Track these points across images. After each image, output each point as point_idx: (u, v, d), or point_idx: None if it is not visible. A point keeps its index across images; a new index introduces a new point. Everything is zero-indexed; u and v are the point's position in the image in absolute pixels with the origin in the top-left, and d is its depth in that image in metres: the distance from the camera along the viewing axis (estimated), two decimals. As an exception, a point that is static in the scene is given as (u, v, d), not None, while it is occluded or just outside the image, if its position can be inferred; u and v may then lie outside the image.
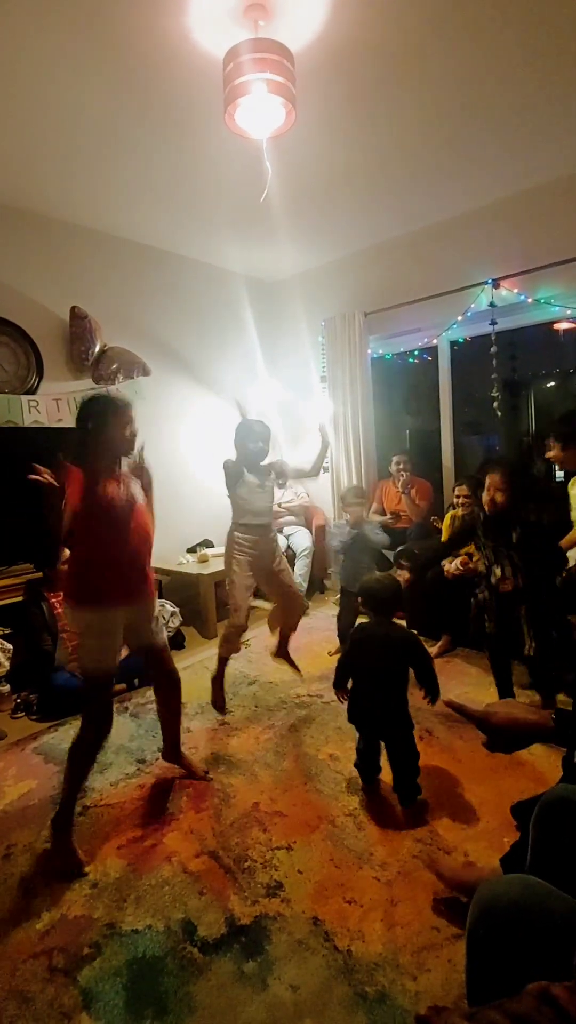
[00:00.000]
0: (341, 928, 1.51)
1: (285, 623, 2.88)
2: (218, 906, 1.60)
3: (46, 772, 2.34)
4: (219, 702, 2.72)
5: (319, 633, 3.55)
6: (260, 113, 2.00)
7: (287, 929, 1.51)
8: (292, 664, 2.94)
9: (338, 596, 3.45)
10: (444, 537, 3.67)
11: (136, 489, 2.00)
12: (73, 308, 3.46)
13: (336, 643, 3.44)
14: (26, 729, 2.72)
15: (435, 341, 4.25)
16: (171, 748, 2.25)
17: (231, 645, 2.71)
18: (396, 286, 4.17)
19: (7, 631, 3.03)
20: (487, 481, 2.44)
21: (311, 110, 2.47)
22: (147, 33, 2.00)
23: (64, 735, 2.62)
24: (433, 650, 3.26)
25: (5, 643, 2.66)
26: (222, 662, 2.73)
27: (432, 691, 1.99)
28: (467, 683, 2.93)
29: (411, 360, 4.57)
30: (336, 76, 2.30)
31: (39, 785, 2.24)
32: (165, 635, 2.16)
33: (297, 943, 1.47)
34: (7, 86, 2.26)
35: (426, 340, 4.29)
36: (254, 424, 2.66)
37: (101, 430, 1.87)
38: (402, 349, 4.51)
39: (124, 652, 2.05)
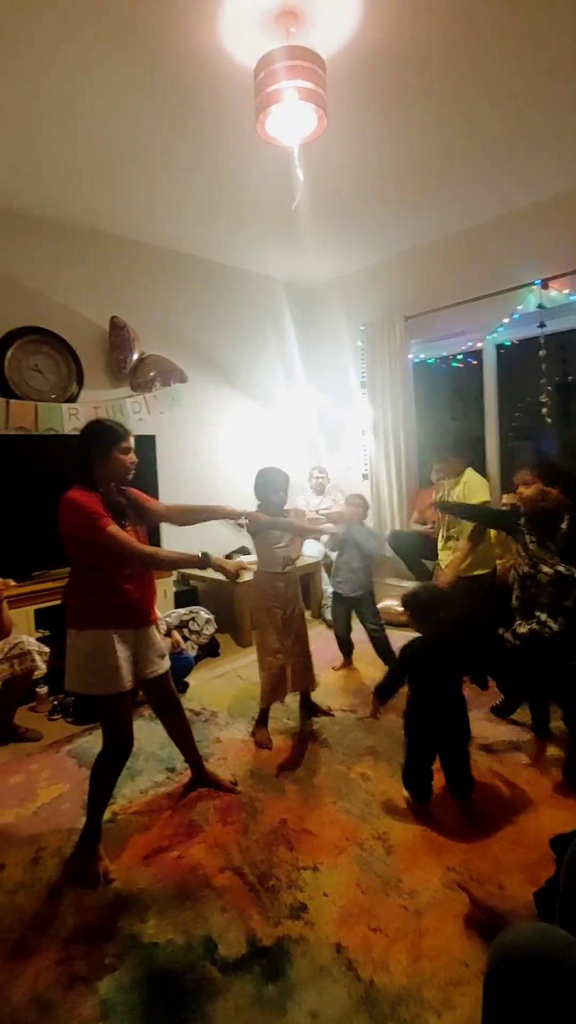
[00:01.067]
0: (365, 957, 1.48)
1: (301, 682, 2.75)
2: (240, 924, 1.60)
3: (79, 776, 2.40)
4: (263, 742, 2.60)
5: (357, 647, 3.51)
6: (291, 120, 2.02)
7: (309, 954, 1.49)
8: (322, 712, 2.83)
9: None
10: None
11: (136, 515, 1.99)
12: (112, 318, 3.59)
13: (340, 657, 3.39)
14: (62, 731, 2.81)
15: (480, 344, 4.15)
16: (194, 768, 2.26)
17: (273, 694, 2.64)
18: (438, 289, 4.10)
19: (46, 633, 3.15)
20: (517, 478, 2.49)
21: (343, 115, 2.48)
22: (181, 46, 2.06)
23: (97, 739, 2.67)
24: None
25: (43, 646, 2.76)
26: (263, 712, 2.67)
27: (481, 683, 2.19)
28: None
29: (455, 364, 4.48)
30: (368, 80, 2.31)
31: (71, 789, 2.30)
32: (168, 663, 2.09)
33: (319, 969, 1.45)
34: (48, 103, 2.37)
35: (470, 344, 4.19)
36: (273, 474, 2.62)
37: (102, 456, 1.85)
38: (445, 353, 4.43)
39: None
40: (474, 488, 3.08)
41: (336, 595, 3.37)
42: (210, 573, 3.91)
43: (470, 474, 3.17)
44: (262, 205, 3.38)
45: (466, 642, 2.13)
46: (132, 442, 1.92)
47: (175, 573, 3.87)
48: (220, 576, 2.08)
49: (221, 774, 2.29)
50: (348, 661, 3.38)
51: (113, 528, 1.77)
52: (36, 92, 2.29)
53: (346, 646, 3.36)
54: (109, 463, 1.86)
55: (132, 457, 1.92)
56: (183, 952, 1.52)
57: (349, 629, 3.33)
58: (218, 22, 1.96)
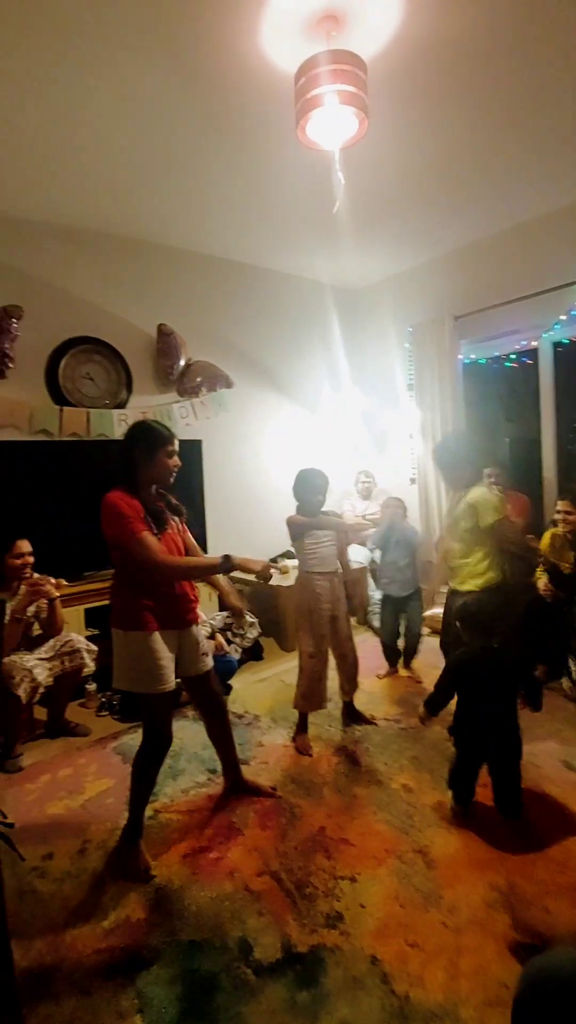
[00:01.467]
0: (400, 971, 1.46)
1: (343, 685, 2.77)
2: (276, 929, 1.61)
3: (123, 772, 2.48)
4: (304, 748, 2.60)
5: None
6: (332, 124, 2.02)
7: (344, 964, 1.49)
8: (366, 721, 2.81)
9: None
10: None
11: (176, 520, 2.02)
12: (160, 325, 3.70)
13: (384, 664, 3.34)
14: (108, 728, 2.92)
15: (535, 343, 4.01)
16: (231, 773, 2.25)
17: (309, 700, 2.64)
18: (489, 287, 4.00)
19: (95, 632, 3.28)
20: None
21: (386, 116, 2.47)
22: (223, 56, 2.11)
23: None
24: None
25: (91, 644, 2.87)
26: (302, 717, 2.67)
27: (536, 703, 2.05)
28: (561, 720, 2.71)
29: (508, 364, 4.35)
30: (410, 79, 2.29)
31: (116, 784, 2.39)
32: (211, 661, 2.13)
33: (353, 980, 1.44)
34: (96, 123, 2.49)
35: (524, 342, 4.06)
36: (313, 475, 2.63)
37: (147, 458, 1.88)
38: (497, 353, 4.31)
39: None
40: (485, 509, 2.60)
41: (384, 598, 3.34)
42: (248, 576, 3.97)
43: (478, 492, 2.65)
44: (305, 210, 3.41)
45: (518, 660, 2.09)
46: (177, 445, 1.94)
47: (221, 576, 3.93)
48: (253, 578, 2.02)
49: (261, 781, 2.29)
50: (394, 669, 3.35)
51: (144, 535, 1.78)
52: (84, 113, 2.41)
53: (392, 653, 3.32)
54: (153, 465, 1.88)
55: (176, 461, 1.94)
56: (219, 952, 1.55)
57: (396, 635, 3.30)
58: (259, 30, 2.00)
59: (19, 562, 2.71)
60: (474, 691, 2.02)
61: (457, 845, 1.92)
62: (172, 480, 1.97)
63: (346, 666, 2.72)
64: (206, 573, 2.02)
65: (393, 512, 3.31)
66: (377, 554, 4.35)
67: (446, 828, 2.00)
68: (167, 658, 1.89)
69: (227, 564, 1.82)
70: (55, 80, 2.20)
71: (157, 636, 1.87)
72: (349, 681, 2.75)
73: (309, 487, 2.61)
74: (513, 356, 4.25)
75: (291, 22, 1.97)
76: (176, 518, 2.02)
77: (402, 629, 3.34)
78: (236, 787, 2.26)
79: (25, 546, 2.75)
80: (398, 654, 3.33)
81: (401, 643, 3.34)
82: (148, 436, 1.90)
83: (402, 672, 3.35)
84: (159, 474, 1.92)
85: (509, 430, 5.01)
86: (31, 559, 2.76)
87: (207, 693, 2.14)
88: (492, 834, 1.95)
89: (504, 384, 4.80)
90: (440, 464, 2.87)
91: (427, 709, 2.13)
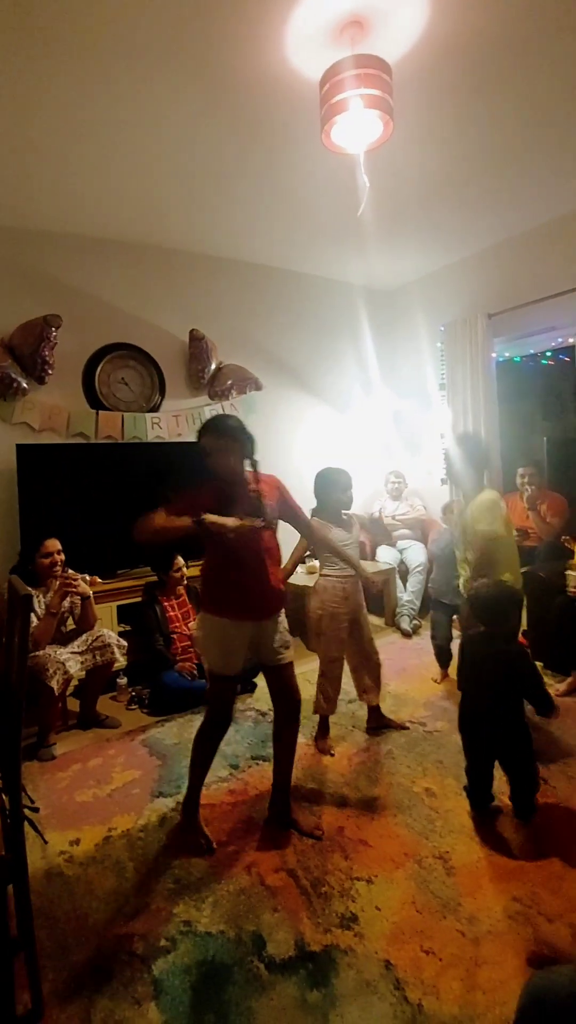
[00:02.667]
0: (415, 978, 1.43)
1: (364, 691, 2.71)
2: (290, 926, 1.61)
3: (150, 764, 2.54)
4: (325, 749, 2.58)
5: (430, 655, 3.39)
6: (357, 128, 2.01)
7: (356, 966, 1.47)
8: (395, 726, 2.75)
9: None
10: (576, 559, 3.32)
11: (273, 510, 2.00)
12: (191, 331, 3.76)
13: (436, 667, 3.26)
14: (138, 721, 2.98)
15: (572, 340, 3.87)
16: (279, 802, 2.08)
17: (332, 704, 2.62)
18: (523, 284, 3.89)
19: (127, 628, 3.36)
20: None
21: (413, 116, 2.44)
22: (248, 68, 2.13)
23: (169, 731, 2.83)
24: (561, 687, 2.96)
25: (122, 640, 2.94)
26: (323, 720, 2.64)
27: (544, 706, 1.94)
28: (596, 728, 2.60)
29: (544, 362, 4.22)
30: (437, 79, 2.25)
31: (142, 775, 2.44)
32: (292, 652, 2.08)
33: (365, 983, 1.42)
34: (128, 140, 2.56)
35: (560, 340, 3.93)
36: (336, 474, 2.58)
37: (210, 456, 1.90)
38: (532, 351, 4.19)
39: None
40: (490, 519, 2.52)
41: (436, 602, 3.25)
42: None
43: (483, 498, 2.57)
44: (333, 213, 3.40)
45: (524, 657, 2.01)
46: (211, 442, 1.90)
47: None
48: (295, 580, 2.01)
49: (302, 819, 2.07)
50: (446, 673, 3.23)
51: (161, 509, 1.84)
52: (112, 128, 2.47)
53: (445, 655, 3.22)
54: (211, 461, 1.91)
55: (216, 460, 1.90)
56: (234, 945, 1.56)
57: (449, 638, 3.20)
58: (284, 40, 2.01)
59: (48, 561, 2.79)
60: (474, 683, 1.98)
61: (480, 854, 1.86)
62: (228, 475, 1.93)
63: (370, 667, 2.68)
64: (172, 534, 1.84)
65: (454, 520, 3.13)
66: (410, 554, 4.29)
67: (468, 835, 1.95)
68: (238, 645, 1.95)
69: (199, 523, 1.77)
70: (89, 100, 2.27)
71: (228, 623, 1.92)
72: (374, 683, 2.71)
73: (331, 486, 2.57)
74: (549, 353, 4.12)
75: (316, 30, 1.97)
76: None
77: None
78: (280, 818, 2.06)
79: (54, 545, 2.83)
80: (450, 656, 3.24)
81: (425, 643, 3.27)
82: (204, 435, 1.94)
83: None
84: (220, 471, 1.92)
85: (547, 429, 4.85)
86: (60, 557, 2.84)
87: (281, 688, 2.06)
88: (518, 844, 1.89)
89: (541, 382, 4.65)
90: (466, 454, 2.72)
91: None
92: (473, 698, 2.02)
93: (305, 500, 2.94)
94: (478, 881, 1.74)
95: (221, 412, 3.95)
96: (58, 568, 2.81)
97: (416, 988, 1.40)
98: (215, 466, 1.91)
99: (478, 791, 2.04)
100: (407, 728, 2.73)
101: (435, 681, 3.22)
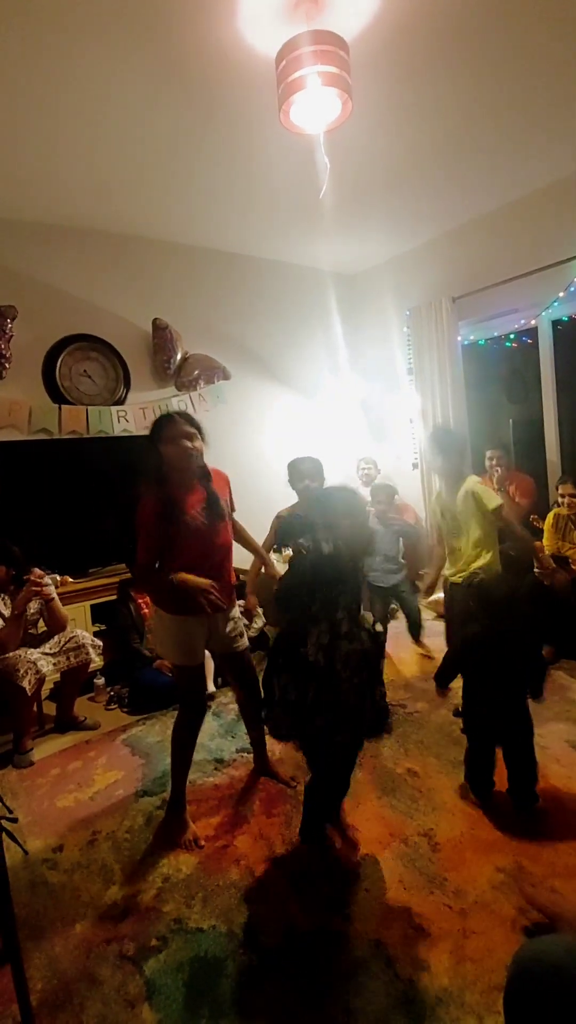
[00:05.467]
0: (405, 955, 1.45)
1: None
2: (281, 915, 1.62)
3: (133, 763, 2.51)
4: None
5: (405, 638, 3.44)
6: (315, 107, 1.98)
7: (348, 948, 1.49)
8: None
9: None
10: (546, 539, 3.40)
11: (222, 505, 2.04)
12: (154, 320, 3.67)
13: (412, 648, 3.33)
14: (117, 721, 2.94)
15: (534, 322, 3.93)
16: (259, 756, 2.32)
17: None
18: (486, 266, 3.92)
19: (102, 628, 3.30)
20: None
21: (369, 97, 2.41)
22: (202, 44, 2.07)
23: (150, 729, 2.80)
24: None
25: (97, 640, 2.89)
26: None
27: (538, 691, 1.99)
28: (569, 700, 2.69)
29: (508, 344, 4.28)
30: (395, 56, 2.22)
31: (125, 776, 2.41)
32: (246, 639, 2.22)
33: (356, 964, 1.44)
34: (70, 117, 2.44)
35: (523, 322, 3.98)
36: (299, 463, 2.59)
37: (162, 447, 1.93)
38: (496, 333, 4.23)
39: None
40: (488, 495, 2.57)
41: (373, 588, 3.23)
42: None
43: (473, 482, 2.61)
44: (294, 195, 3.35)
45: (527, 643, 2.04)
46: (177, 429, 1.92)
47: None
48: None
49: (280, 770, 2.30)
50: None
51: (140, 550, 1.92)
52: (57, 106, 2.36)
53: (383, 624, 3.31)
54: (164, 456, 1.93)
55: (183, 445, 1.91)
56: (225, 938, 1.56)
57: (387, 621, 3.30)
58: (237, 15, 1.95)
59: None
60: (479, 672, 2.00)
61: (463, 828, 1.91)
62: (189, 464, 1.94)
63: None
64: (156, 590, 2.03)
65: (381, 509, 3.24)
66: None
67: (451, 811, 1.99)
68: (197, 638, 2.02)
69: (170, 583, 1.89)
70: (32, 77, 2.16)
71: (188, 619, 1.97)
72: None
73: (295, 475, 2.60)
74: (513, 336, 4.18)
75: (269, 5, 1.92)
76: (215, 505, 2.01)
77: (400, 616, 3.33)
78: (262, 769, 2.31)
79: None
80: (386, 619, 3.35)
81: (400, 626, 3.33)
82: (153, 431, 1.99)
83: (415, 649, 3.35)
84: (172, 462, 1.93)
85: (512, 412, 4.94)
86: (1, 573, 2.72)
87: (240, 670, 2.20)
88: (498, 816, 1.93)
89: (505, 365, 4.72)
90: (441, 449, 2.78)
91: (437, 683, 2.12)
92: (478, 686, 2.01)
93: (280, 489, 2.94)
94: (462, 855, 1.79)
95: (189, 403, 3.88)
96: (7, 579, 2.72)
97: (407, 964, 1.43)
98: (169, 458, 1.93)
99: (482, 777, 2.04)
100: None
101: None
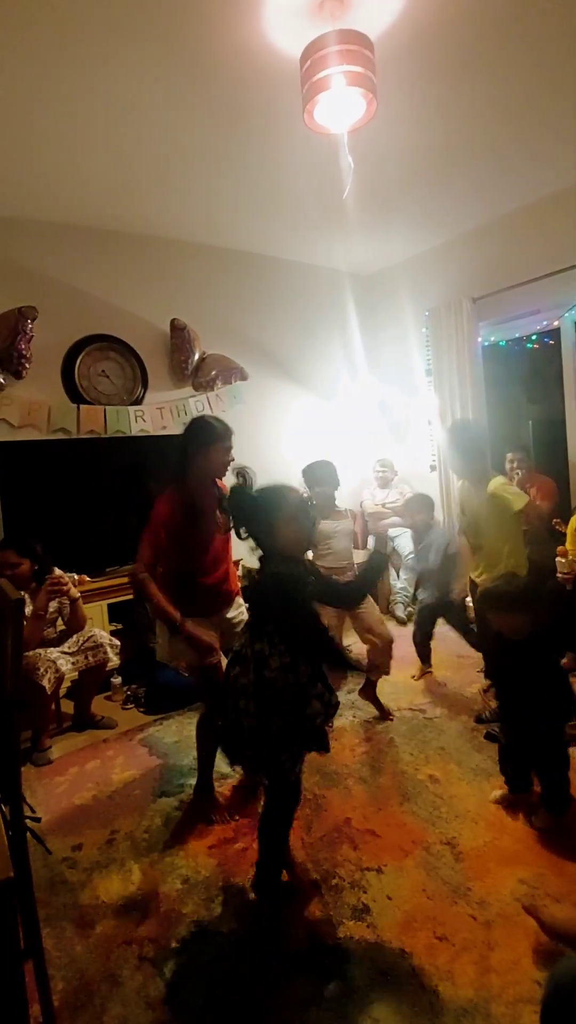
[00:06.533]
0: (429, 965, 1.43)
1: (370, 666, 2.73)
2: (302, 921, 1.61)
3: (150, 763, 2.51)
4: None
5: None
6: (340, 107, 1.97)
7: (371, 957, 1.47)
8: (379, 707, 2.77)
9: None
10: (569, 542, 3.35)
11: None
12: (172, 320, 3.68)
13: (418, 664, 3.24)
14: (134, 720, 2.95)
15: (557, 323, 3.88)
16: None
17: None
18: (507, 267, 3.88)
19: (119, 627, 3.31)
20: None
21: (395, 96, 2.39)
22: (225, 44, 2.06)
23: (167, 730, 2.81)
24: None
25: (114, 639, 2.90)
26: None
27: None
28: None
29: (529, 345, 4.23)
30: (420, 56, 2.20)
31: (142, 775, 2.41)
32: None
33: (381, 973, 1.42)
34: (96, 119, 2.46)
35: (545, 323, 3.94)
36: (313, 468, 2.64)
37: (202, 452, 1.98)
38: (518, 335, 4.19)
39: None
40: (515, 496, 2.55)
41: (423, 604, 3.21)
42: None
43: (498, 483, 2.58)
44: (316, 196, 3.34)
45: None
46: (232, 441, 2.03)
47: (240, 567, 3.92)
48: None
49: None
50: (428, 668, 3.23)
51: (144, 544, 1.94)
52: (86, 110, 2.38)
53: (426, 652, 3.23)
54: (208, 459, 1.98)
55: (231, 456, 2.02)
56: (245, 942, 1.55)
57: (430, 637, 3.20)
58: (261, 15, 1.94)
59: (9, 572, 2.57)
60: (513, 670, 1.96)
61: (486, 838, 1.88)
62: (224, 473, 2.03)
63: (376, 652, 2.67)
64: (161, 617, 2.01)
65: (419, 521, 3.14)
66: (401, 542, 4.28)
67: (474, 820, 1.97)
68: (208, 636, 2.00)
69: (180, 626, 1.92)
70: (55, 78, 2.18)
71: (200, 620, 2.00)
72: (380, 665, 2.70)
73: (309, 479, 2.63)
74: (534, 337, 4.13)
75: (295, 5, 1.91)
76: (222, 514, 2.04)
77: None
78: None
79: (11, 556, 2.65)
80: (430, 653, 3.25)
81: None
82: (204, 432, 2.00)
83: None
84: (213, 468, 2.01)
85: (532, 413, 4.88)
86: (25, 569, 2.67)
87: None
88: (521, 828, 1.91)
89: (526, 366, 4.67)
90: (459, 448, 2.76)
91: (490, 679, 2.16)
92: (516, 692, 1.97)
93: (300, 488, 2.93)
94: (486, 865, 1.76)
95: (207, 404, 3.89)
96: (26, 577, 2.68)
97: (431, 975, 1.41)
98: (210, 465, 1.99)
99: (516, 772, 2.01)
100: (391, 719, 2.73)
101: (413, 678, 3.17)
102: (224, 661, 2.15)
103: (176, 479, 2.00)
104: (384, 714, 2.75)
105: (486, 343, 4.30)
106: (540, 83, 2.46)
